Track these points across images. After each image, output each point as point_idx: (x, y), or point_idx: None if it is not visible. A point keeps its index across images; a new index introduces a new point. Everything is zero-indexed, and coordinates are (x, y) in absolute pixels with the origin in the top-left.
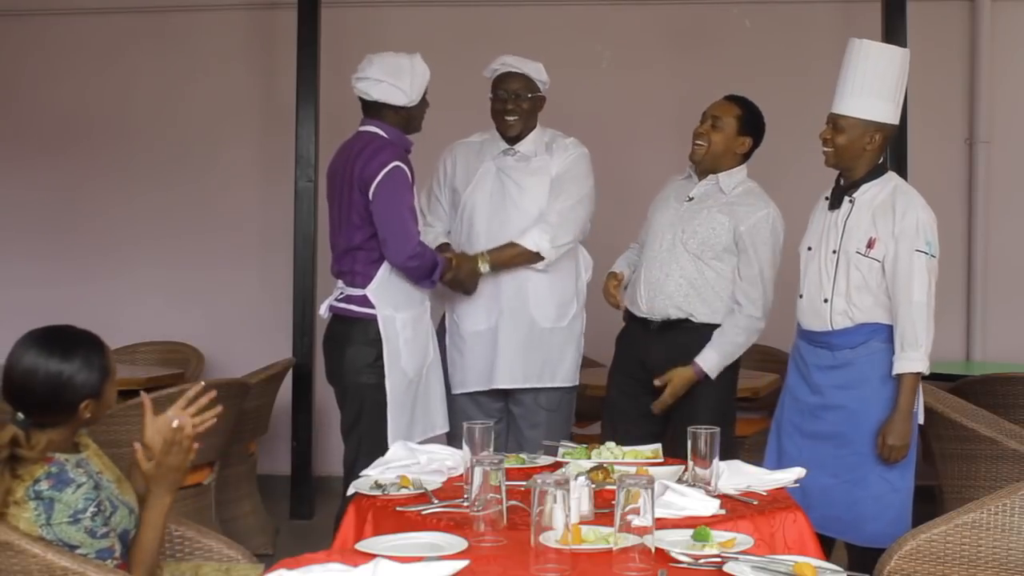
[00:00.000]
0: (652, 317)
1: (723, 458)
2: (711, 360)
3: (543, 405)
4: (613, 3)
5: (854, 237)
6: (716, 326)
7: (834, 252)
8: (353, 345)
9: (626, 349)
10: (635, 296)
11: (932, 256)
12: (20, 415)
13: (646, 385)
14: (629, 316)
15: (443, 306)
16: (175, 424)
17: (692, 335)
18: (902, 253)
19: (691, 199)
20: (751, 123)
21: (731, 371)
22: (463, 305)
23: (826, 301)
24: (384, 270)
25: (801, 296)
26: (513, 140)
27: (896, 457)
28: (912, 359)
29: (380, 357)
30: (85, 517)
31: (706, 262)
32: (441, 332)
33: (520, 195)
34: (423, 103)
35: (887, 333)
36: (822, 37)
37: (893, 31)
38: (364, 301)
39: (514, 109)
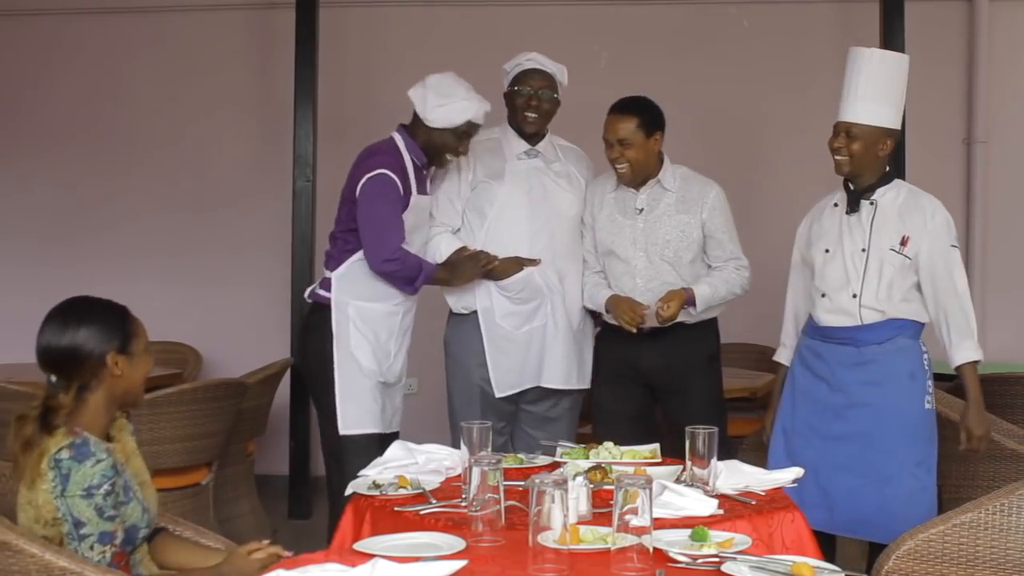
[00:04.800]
0: (641, 325)
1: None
2: (702, 291)
3: (568, 406)
4: (612, 3)
5: (884, 235)
6: (711, 320)
7: (863, 250)
8: (315, 330)
9: (612, 353)
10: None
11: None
12: (52, 378)
13: (637, 382)
14: (613, 325)
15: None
16: (278, 551)
17: (686, 332)
18: (938, 250)
19: (640, 211)
20: (651, 121)
21: (717, 363)
22: (510, 304)
23: (855, 296)
24: (355, 258)
25: (823, 296)
26: (531, 138)
27: (983, 447)
28: (970, 348)
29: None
30: (98, 494)
31: (686, 266)
32: (468, 340)
33: (558, 197)
34: (447, 136)
35: (914, 329)
36: (821, 37)
37: (891, 31)
38: (330, 285)
39: (537, 106)
